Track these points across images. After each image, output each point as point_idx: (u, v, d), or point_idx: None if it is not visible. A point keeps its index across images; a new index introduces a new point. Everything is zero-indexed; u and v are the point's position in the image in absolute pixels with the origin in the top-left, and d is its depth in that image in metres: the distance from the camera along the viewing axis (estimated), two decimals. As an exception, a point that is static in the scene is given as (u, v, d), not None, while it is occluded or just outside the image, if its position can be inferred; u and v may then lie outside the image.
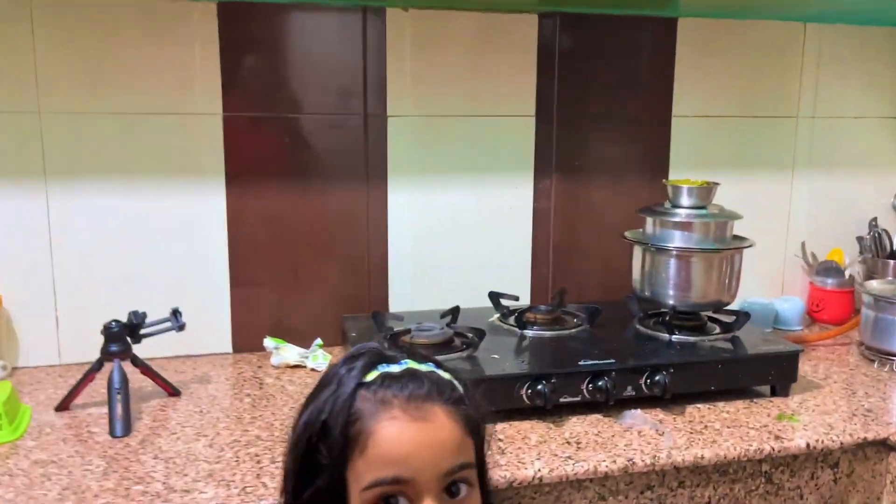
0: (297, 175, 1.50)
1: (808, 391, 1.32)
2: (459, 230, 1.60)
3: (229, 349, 1.52)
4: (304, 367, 1.43)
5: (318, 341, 1.48)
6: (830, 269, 1.74)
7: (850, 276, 1.73)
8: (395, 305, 1.57)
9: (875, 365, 1.45)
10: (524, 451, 1.10)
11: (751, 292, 1.65)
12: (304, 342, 1.50)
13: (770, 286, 1.78)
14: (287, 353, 1.45)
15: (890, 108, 1.79)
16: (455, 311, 1.39)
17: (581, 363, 1.22)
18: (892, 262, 1.71)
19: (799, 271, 1.80)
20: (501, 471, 1.04)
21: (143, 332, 1.25)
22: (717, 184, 1.37)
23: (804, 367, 1.40)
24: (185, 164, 1.44)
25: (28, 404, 1.25)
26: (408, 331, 1.31)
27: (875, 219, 1.78)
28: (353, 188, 1.53)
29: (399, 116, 1.53)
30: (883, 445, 1.17)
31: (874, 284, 1.56)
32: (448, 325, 1.36)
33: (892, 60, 1.77)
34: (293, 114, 1.48)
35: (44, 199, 1.39)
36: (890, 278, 1.69)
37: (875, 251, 1.74)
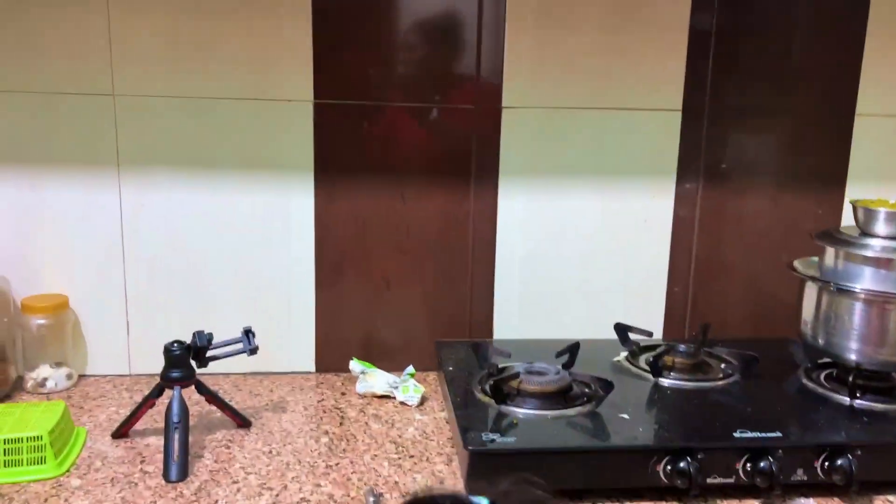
0: (394, 173, 1.29)
1: None
2: (581, 244, 1.35)
3: (312, 368, 1.35)
4: (393, 398, 1.23)
5: (410, 369, 1.28)
6: None
7: None
8: (499, 331, 1.35)
9: None
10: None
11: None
12: (395, 364, 1.30)
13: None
14: (375, 380, 1.25)
15: None
16: (574, 350, 1.14)
17: (737, 434, 0.95)
18: None
19: None
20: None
21: (209, 354, 1.08)
22: (926, 208, 1.06)
23: None
24: (270, 156, 1.26)
25: (85, 425, 1.12)
26: (516, 374, 1.08)
27: None
28: (458, 190, 1.31)
29: (516, 108, 1.28)
30: None
31: None
32: (564, 366, 1.12)
33: None
34: (393, 102, 1.27)
35: (116, 191, 1.24)
36: None
37: None
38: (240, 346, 1.10)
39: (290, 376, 1.32)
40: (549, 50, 1.27)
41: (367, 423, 1.15)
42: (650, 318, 1.38)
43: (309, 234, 1.29)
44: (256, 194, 1.27)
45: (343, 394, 1.26)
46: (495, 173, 1.31)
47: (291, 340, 1.33)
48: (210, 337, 1.07)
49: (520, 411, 1.01)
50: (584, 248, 1.35)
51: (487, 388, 1.08)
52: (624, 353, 1.22)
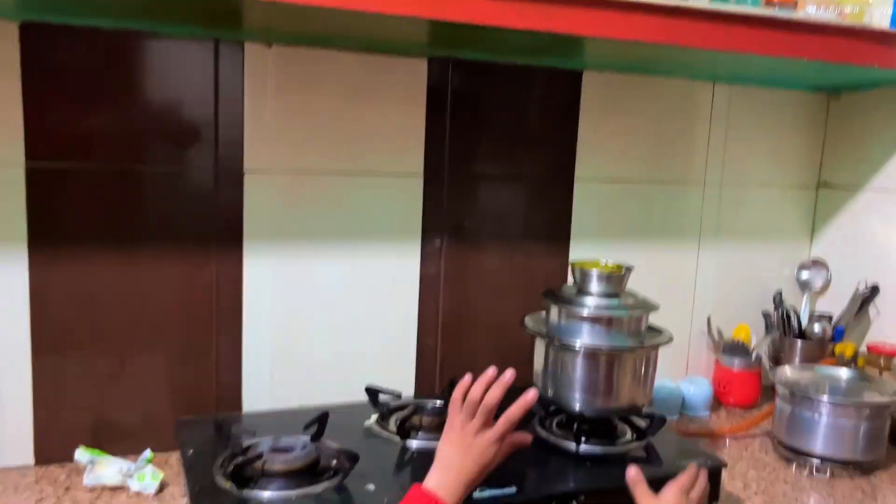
0: (124, 241, 1.19)
1: (730, 508, 1.16)
2: (333, 308, 1.34)
3: (30, 460, 1.19)
4: (128, 489, 1.12)
5: (147, 454, 1.17)
6: (737, 348, 1.61)
7: (758, 356, 1.60)
8: (249, 402, 1.29)
9: (793, 468, 1.31)
10: None
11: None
12: (134, 448, 1.19)
13: (675, 366, 1.63)
14: (105, 469, 1.13)
15: (795, 176, 1.70)
16: (323, 420, 1.12)
17: (476, 495, 0.99)
18: (800, 342, 1.60)
19: (704, 349, 1.66)
20: None
21: None
22: (630, 268, 1.19)
23: (721, 474, 1.24)
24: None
25: None
26: (260, 454, 1.03)
27: (780, 292, 1.67)
28: (198, 258, 1.24)
29: (258, 172, 1.26)
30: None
31: (787, 373, 1.43)
32: (313, 437, 1.10)
33: (798, 126, 1.68)
34: (120, 164, 1.18)
35: None
36: (798, 361, 1.59)
37: (783, 329, 1.63)
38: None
39: (2, 472, 1.16)
40: (292, 118, 1.26)
41: (94, 523, 1.04)
42: (403, 377, 1.40)
43: (23, 310, 1.15)
44: (-45, 269, 1.11)
45: (67, 489, 1.12)
46: (239, 239, 1.26)
47: (6, 430, 1.16)
48: None
49: (264, 494, 0.97)
50: (335, 312, 1.35)
51: (229, 471, 1.02)
52: (374, 417, 1.23)
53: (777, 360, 1.61)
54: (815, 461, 1.30)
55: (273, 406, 1.29)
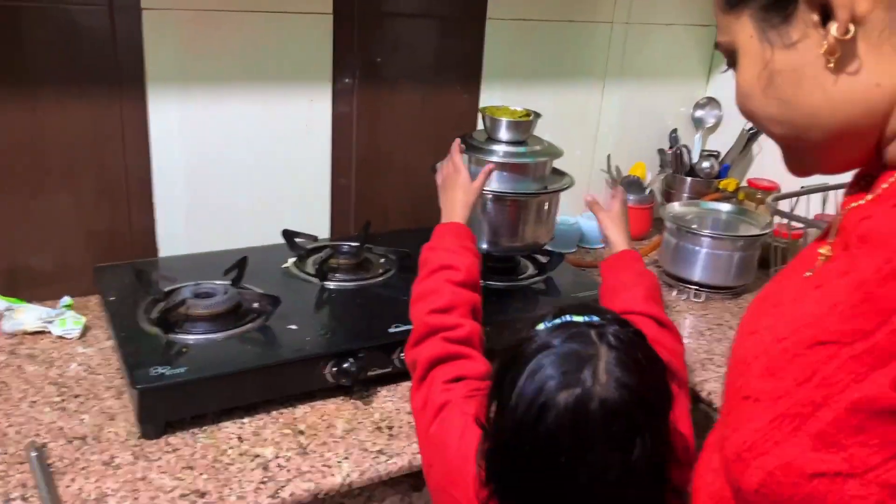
0: (21, 84, 1.13)
1: (616, 332, 1.30)
2: (245, 152, 1.34)
3: (-56, 309, 1.19)
4: (49, 333, 1.15)
5: (66, 300, 1.19)
6: (633, 184, 1.72)
7: (651, 192, 1.72)
8: (165, 247, 1.31)
9: (674, 293, 1.47)
10: (329, 446, 0.96)
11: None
12: (51, 296, 1.21)
13: (575, 202, 1.73)
14: (24, 315, 1.15)
15: (699, 15, 1.73)
16: (242, 265, 1.16)
17: (392, 330, 1.08)
18: (689, 179, 1.73)
19: (604, 185, 1.77)
20: (304, 481, 0.89)
21: None
22: (538, 115, 1.23)
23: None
24: None
25: None
26: (183, 299, 1.07)
27: (675, 130, 1.77)
28: (101, 101, 1.19)
29: (157, 9, 1.18)
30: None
31: (675, 208, 1.55)
32: (234, 282, 1.14)
33: (705, -36, 1.69)
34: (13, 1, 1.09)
35: None
36: (686, 196, 1.71)
37: (676, 166, 1.74)
38: None
39: (-83, 323, 1.16)
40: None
41: (19, 367, 1.07)
42: (318, 219, 1.44)
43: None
44: None
45: (-12, 336, 1.14)
46: (141, 80, 1.21)
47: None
48: None
49: (189, 338, 1.02)
50: (248, 156, 1.34)
51: (154, 316, 1.06)
52: (292, 260, 1.28)
53: (668, 196, 1.74)
54: (694, 287, 1.46)
55: (190, 250, 1.32)
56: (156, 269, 1.23)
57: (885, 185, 0.56)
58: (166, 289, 1.12)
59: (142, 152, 1.25)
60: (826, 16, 0.52)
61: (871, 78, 0.53)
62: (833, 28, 0.52)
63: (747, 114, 0.61)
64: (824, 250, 0.63)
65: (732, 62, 0.61)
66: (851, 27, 0.52)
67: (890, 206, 0.53)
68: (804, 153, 0.60)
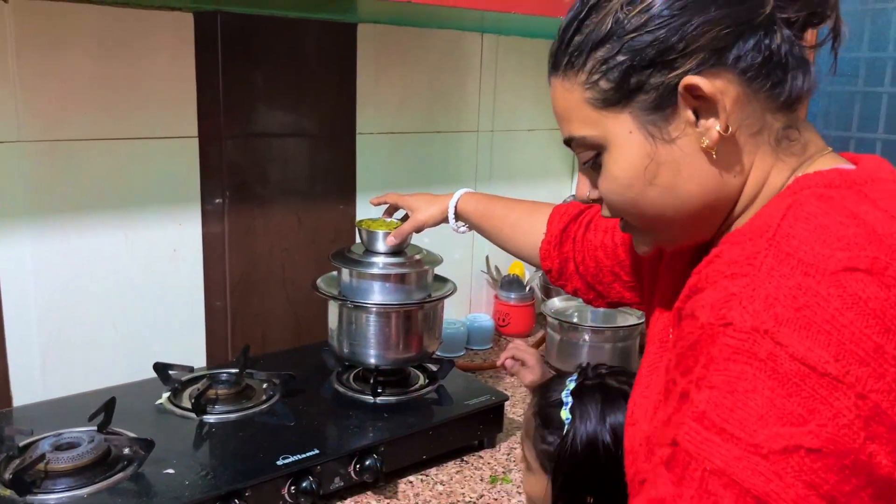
0: None
1: (512, 435, 1.28)
2: (110, 282, 1.26)
3: None
4: None
5: None
6: (513, 282, 1.75)
7: (531, 288, 1.76)
8: (20, 397, 1.19)
9: (563, 388, 1.49)
10: None
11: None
12: None
13: (459, 304, 1.74)
14: None
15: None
16: (109, 407, 1.06)
17: (280, 462, 1.01)
18: (565, 273, 1.78)
19: (485, 285, 1.79)
20: None
21: None
22: (414, 224, 1.24)
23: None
24: None
25: None
26: (42, 454, 0.96)
27: (547, 228, 1.83)
28: (-59, 243, 1.10)
29: (4, 143, 1.12)
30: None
31: (556, 303, 1.59)
32: (100, 427, 1.05)
33: (557, 74, 1.81)
34: None
35: None
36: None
37: (550, 262, 1.80)
38: None
39: None
40: (41, 80, 1.13)
41: None
42: (193, 347, 1.36)
43: None
44: None
45: None
46: (-11, 217, 1.13)
47: None
48: None
49: (51, 498, 0.91)
50: (113, 286, 1.26)
51: (7, 477, 0.94)
52: (167, 395, 1.19)
53: (547, 293, 1.78)
54: (581, 380, 1.48)
55: (48, 396, 1.20)
56: (9, 421, 1.11)
57: (709, 262, 0.60)
58: (21, 443, 1.01)
59: (-11, 294, 1.15)
60: (697, 115, 0.59)
61: (734, 166, 0.60)
62: (716, 125, 0.58)
63: (623, 202, 0.65)
64: (671, 330, 0.69)
65: (595, 155, 0.64)
66: (730, 126, 0.58)
67: (711, 284, 0.56)
68: (666, 232, 0.66)
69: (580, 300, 1.58)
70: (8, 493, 0.92)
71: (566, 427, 0.83)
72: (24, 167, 1.14)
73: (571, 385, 0.86)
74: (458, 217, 1.14)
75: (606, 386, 0.85)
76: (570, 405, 0.84)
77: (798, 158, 0.62)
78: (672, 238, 0.67)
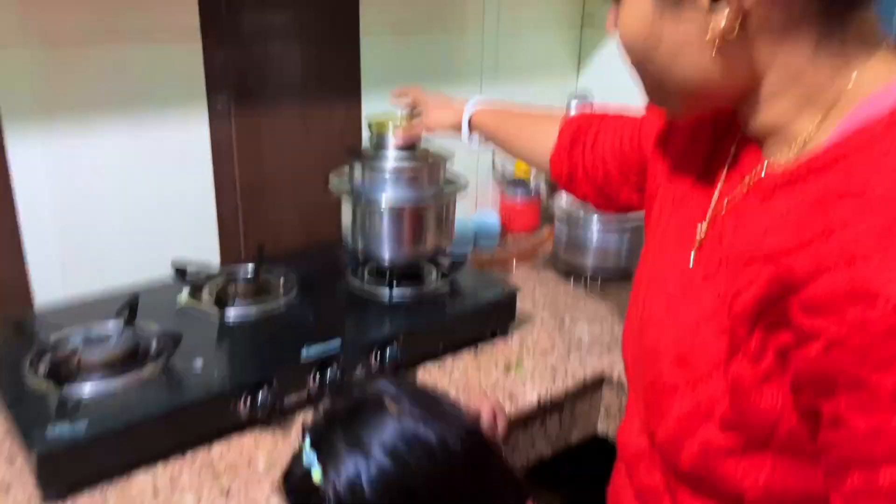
0: None
1: (524, 324, 1.32)
2: (121, 185, 1.26)
3: None
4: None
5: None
6: (518, 182, 1.76)
7: (537, 186, 1.77)
8: (43, 295, 1.21)
9: (570, 281, 1.52)
10: (252, 484, 0.92)
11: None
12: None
13: (466, 202, 1.75)
14: None
15: (564, 17, 1.80)
16: (133, 303, 1.09)
17: (304, 353, 1.04)
18: (571, 169, 1.78)
19: (490, 183, 1.80)
20: (232, 523, 0.85)
21: None
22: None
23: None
24: None
25: None
26: (74, 347, 0.99)
27: (552, 125, 1.82)
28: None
29: (7, 45, 1.09)
30: (598, 380, 1.21)
31: (564, 197, 1.60)
32: (126, 323, 1.07)
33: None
34: None
35: None
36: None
37: (556, 159, 1.79)
38: None
39: None
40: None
41: None
42: (206, 248, 1.38)
43: None
44: None
45: None
46: (-4, 121, 1.12)
47: None
48: None
49: (86, 388, 0.95)
50: (125, 189, 1.26)
51: (43, 370, 0.98)
52: (186, 292, 1.21)
53: (554, 187, 1.79)
54: (588, 273, 1.51)
55: (70, 295, 1.22)
56: (37, 319, 1.14)
57: (749, 177, 0.64)
58: (53, 338, 1.03)
59: (4, 196, 1.15)
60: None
61: (740, 67, 0.58)
62: (725, 13, 0.55)
63: (628, 53, 0.65)
64: (700, 229, 0.69)
65: None
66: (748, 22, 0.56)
67: (758, 201, 0.60)
68: (669, 97, 0.66)
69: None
70: (44, 385, 0.95)
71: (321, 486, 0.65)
72: (28, 72, 1.12)
73: (306, 444, 0.68)
74: (471, 129, 1.15)
75: (337, 416, 0.70)
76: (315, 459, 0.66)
77: (865, 49, 0.56)
78: (680, 108, 0.67)
